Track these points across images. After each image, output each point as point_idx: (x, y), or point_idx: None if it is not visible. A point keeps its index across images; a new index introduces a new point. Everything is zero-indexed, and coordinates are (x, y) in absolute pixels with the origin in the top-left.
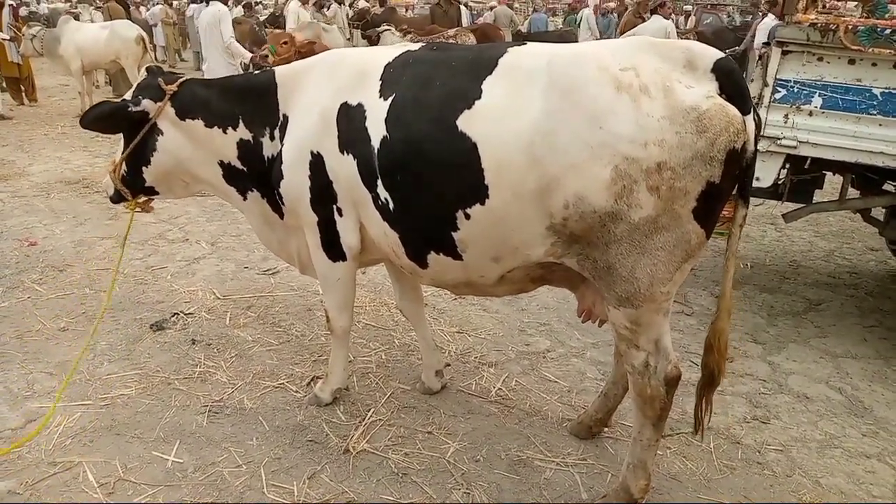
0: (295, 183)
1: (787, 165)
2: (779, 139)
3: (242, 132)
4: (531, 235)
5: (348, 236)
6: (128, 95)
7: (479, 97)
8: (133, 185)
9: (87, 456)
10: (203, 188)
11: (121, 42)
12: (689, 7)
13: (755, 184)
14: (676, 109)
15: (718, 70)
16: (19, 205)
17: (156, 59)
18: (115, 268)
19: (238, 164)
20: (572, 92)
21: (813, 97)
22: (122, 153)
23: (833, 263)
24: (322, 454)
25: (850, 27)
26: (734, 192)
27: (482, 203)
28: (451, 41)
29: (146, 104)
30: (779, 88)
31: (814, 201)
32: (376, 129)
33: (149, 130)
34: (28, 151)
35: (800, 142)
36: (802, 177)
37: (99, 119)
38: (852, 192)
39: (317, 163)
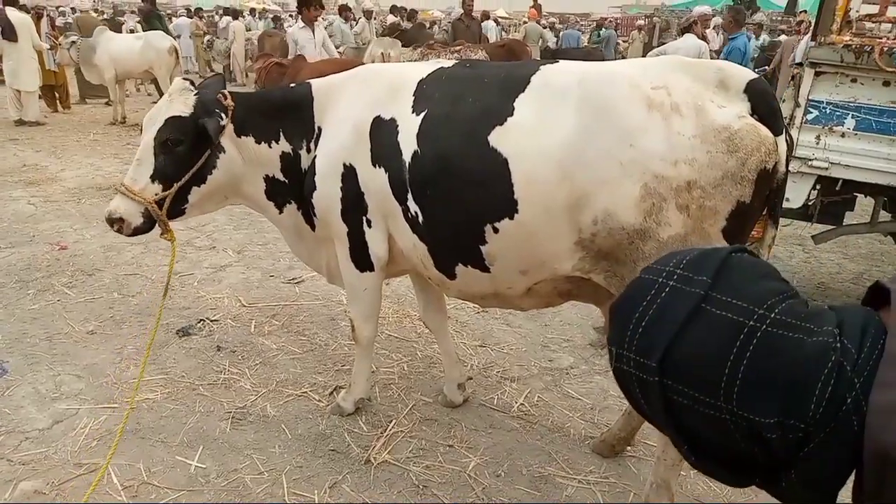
0: (327, 194)
1: (818, 186)
2: (810, 160)
3: (284, 145)
4: (559, 250)
5: (377, 247)
6: (179, 111)
7: (512, 114)
8: (172, 210)
9: (112, 458)
10: (239, 202)
11: (154, 52)
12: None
13: (785, 204)
14: (708, 129)
15: (751, 90)
16: (51, 209)
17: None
18: (160, 309)
19: (281, 177)
20: (604, 109)
21: (846, 119)
22: (174, 177)
23: (862, 286)
24: (343, 464)
25: (885, 49)
26: (764, 213)
27: (511, 217)
28: (454, 56)
29: (224, 122)
30: (811, 109)
31: (844, 223)
32: (408, 144)
33: (214, 148)
34: (61, 157)
35: (831, 163)
36: (833, 198)
37: (216, 134)
38: (884, 215)
39: (349, 175)
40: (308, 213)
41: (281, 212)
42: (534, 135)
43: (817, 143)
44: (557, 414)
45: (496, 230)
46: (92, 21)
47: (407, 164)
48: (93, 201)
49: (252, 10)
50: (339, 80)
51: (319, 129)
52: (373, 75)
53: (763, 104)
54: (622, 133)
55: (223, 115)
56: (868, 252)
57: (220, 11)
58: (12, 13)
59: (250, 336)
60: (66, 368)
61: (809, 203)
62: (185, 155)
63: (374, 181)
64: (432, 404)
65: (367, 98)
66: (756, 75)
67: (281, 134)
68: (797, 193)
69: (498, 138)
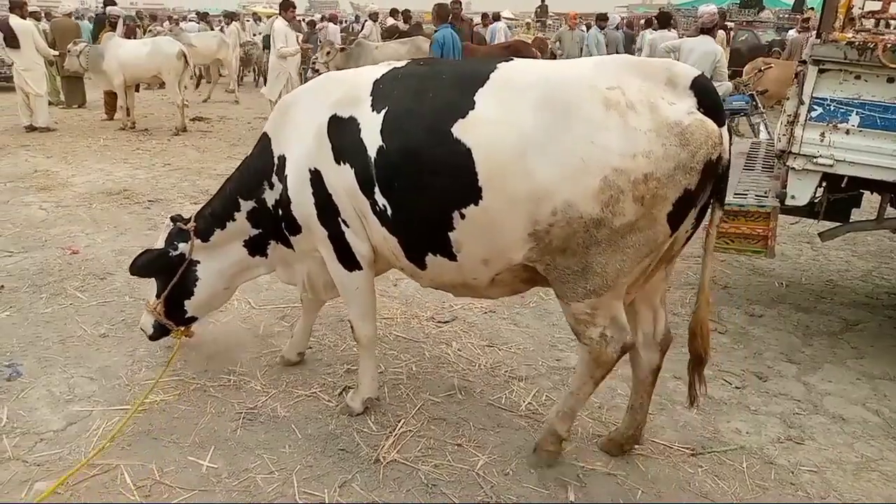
0: (302, 202)
1: (824, 184)
2: (815, 157)
3: (247, 205)
4: (513, 240)
5: (359, 246)
6: (160, 244)
7: (473, 107)
8: (176, 318)
9: (125, 459)
10: (241, 280)
11: (163, 57)
12: (729, 24)
13: (790, 202)
14: (661, 124)
15: (696, 87)
16: (62, 214)
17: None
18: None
19: (255, 232)
20: (565, 110)
21: (850, 115)
22: (160, 294)
23: (871, 283)
24: (353, 463)
25: (888, 45)
26: (710, 198)
27: (476, 203)
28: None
29: (182, 247)
30: (815, 107)
31: (851, 220)
32: (372, 140)
33: (187, 267)
34: (71, 163)
35: (836, 160)
36: (839, 195)
37: (145, 266)
38: (891, 212)
39: (316, 179)
40: (286, 239)
41: (266, 256)
42: (496, 128)
43: (822, 141)
44: None
45: (462, 216)
46: (68, 24)
47: (372, 160)
48: (103, 206)
49: (255, 15)
50: (292, 99)
51: (281, 157)
52: (325, 82)
53: (707, 99)
54: (583, 131)
55: (181, 243)
56: (877, 249)
57: (227, 18)
58: (14, 20)
59: (260, 337)
60: (79, 371)
61: (815, 200)
62: (164, 277)
63: (340, 180)
64: (441, 404)
65: (321, 102)
66: (700, 73)
67: (239, 200)
68: (803, 191)
69: (461, 130)
